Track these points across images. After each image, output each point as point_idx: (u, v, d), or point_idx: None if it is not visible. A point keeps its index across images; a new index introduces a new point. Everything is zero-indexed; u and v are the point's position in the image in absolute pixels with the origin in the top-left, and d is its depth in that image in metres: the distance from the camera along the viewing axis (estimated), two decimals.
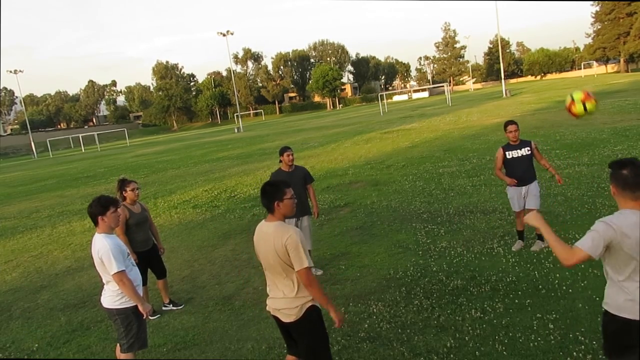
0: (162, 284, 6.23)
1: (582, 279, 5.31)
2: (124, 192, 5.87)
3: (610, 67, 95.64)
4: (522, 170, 6.42)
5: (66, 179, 25.36)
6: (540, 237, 6.35)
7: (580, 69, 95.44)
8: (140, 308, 4.17)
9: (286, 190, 3.50)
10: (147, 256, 6.02)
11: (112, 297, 4.18)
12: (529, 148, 6.42)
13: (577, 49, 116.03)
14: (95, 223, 4.19)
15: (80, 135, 72.41)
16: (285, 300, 3.51)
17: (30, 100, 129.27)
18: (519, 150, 6.42)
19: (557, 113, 23.90)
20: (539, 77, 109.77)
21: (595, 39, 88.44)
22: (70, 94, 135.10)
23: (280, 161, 6.63)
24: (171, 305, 6.20)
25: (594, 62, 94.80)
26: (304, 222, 6.62)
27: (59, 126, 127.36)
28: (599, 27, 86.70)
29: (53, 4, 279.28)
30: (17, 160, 62.97)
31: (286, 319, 3.53)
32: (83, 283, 7.70)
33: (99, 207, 4.14)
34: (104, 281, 4.24)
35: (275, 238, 3.40)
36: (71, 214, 14.29)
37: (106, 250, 4.05)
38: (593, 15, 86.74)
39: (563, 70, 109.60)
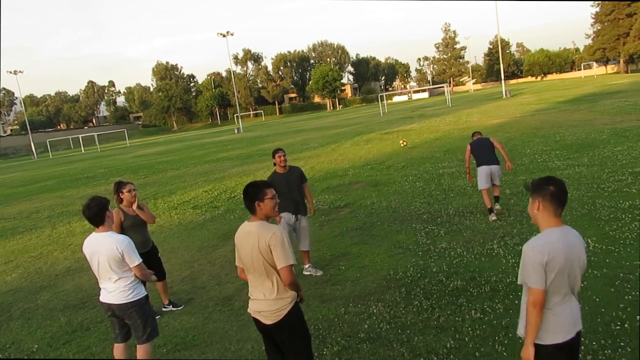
0: (162, 286, 6.22)
1: (582, 279, 5.30)
2: (120, 194, 5.84)
3: (610, 68, 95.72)
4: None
5: (66, 180, 25.36)
6: (491, 210, 7.93)
7: (580, 69, 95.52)
8: (151, 279, 4.46)
9: (267, 191, 3.48)
10: (147, 258, 5.99)
11: (124, 292, 4.19)
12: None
13: (577, 49, 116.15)
14: (100, 221, 4.15)
15: (80, 135, 72.40)
16: (266, 302, 3.50)
17: (30, 100, 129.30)
18: None
19: (557, 114, 23.91)
20: (539, 78, 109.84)
21: (595, 39, 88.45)
22: (70, 95, 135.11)
23: (275, 164, 6.64)
24: (171, 306, 6.20)
25: (594, 63, 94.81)
26: (302, 222, 6.65)
27: (58, 127, 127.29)
28: (598, 27, 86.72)
29: (53, 5, 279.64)
30: (17, 161, 63.00)
31: (267, 320, 3.52)
32: (83, 284, 7.70)
33: (103, 204, 4.17)
34: (111, 279, 4.17)
35: (259, 237, 3.40)
36: (71, 214, 14.29)
37: (126, 244, 4.10)
38: (593, 16, 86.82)
39: (563, 71, 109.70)
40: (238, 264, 3.69)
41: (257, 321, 3.62)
